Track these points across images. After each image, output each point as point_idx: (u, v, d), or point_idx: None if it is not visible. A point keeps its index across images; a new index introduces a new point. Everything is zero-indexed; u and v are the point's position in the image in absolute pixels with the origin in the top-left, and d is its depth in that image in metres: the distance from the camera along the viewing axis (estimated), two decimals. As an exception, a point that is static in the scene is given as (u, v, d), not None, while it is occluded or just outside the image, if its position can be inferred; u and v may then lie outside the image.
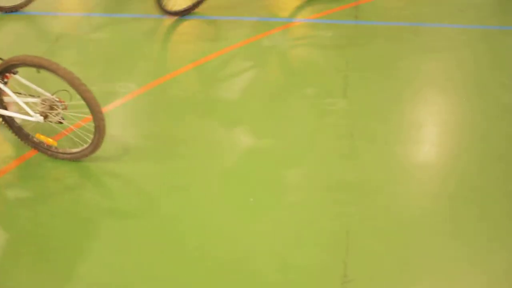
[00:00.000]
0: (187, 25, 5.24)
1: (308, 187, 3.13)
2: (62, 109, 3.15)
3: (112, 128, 3.71)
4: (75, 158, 3.30)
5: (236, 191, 3.12)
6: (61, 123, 3.20)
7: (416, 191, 3.08)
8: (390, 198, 3.03)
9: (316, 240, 2.77)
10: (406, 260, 2.65)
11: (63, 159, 3.32)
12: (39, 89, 3.20)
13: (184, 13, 5.24)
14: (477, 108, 3.82)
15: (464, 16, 5.19)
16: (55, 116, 3.15)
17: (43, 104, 3.15)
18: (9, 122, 3.32)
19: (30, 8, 5.31)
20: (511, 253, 2.67)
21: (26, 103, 3.15)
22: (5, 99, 3.26)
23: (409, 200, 3.02)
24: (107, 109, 3.87)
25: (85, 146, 3.25)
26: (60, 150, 3.32)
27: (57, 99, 3.15)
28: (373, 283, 2.53)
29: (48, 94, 3.17)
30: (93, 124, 3.13)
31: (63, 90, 3.12)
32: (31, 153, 3.39)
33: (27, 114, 3.14)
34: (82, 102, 3.05)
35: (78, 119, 3.26)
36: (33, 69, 3.08)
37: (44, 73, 3.08)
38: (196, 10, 5.25)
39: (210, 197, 3.08)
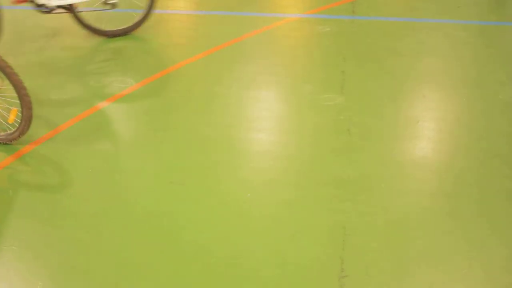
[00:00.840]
0: (181, 20, 5.24)
1: (305, 182, 3.13)
2: None
3: (111, 122, 3.72)
4: (2, 141, 3.46)
5: (233, 187, 3.12)
6: None
7: (413, 188, 3.09)
8: (386, 194, 3.04)
9: (313, 235, 2.78)
10: (402, 255, 2.66)
11: None
12: None
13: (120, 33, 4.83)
14: (475, 104, 3.82)
15: (462, 12, 5.20)
16: None
17: None
18: None
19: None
20: (509, 249, 2.68)
21: None
22: None
23: (405, 196, 3.03)
24: (103, 104, 3.87)
25: (12, 130, 3.41)
26: None
27: None
28: (369, 278, 2.54)
29: None
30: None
31: None
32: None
33: None
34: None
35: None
36: None
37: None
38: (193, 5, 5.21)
39: (206, 193, 3.08)
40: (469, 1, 5.41)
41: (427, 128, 3.59)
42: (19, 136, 3.41)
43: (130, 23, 4.80)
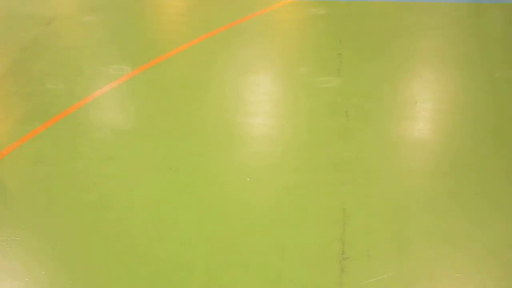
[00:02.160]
0: (176, 6, 5.21)
1: (304, 166, 3.14)
2: None
3: (108, 110, 3.71)
4: None
5: (232, 172, 3.12)
6: None
7: (411, 169, 3.10)
8: (386, 176, 3.05)
9: (313, 218, 2.79)
10: (403, 236, 2.68)
11: None
12: None
13: None
14: (472, 83, 3.82)
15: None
16: None
17: None
18: None
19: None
20: (509, 227, 2.70)
21: None
22: None
23: (405, 177, 3.04)
24: (100, 92, 3.87)
25: None
26: None
27: None
28: (370, 259, 2.56)
29: None
30: None
31: None
32: None
33: None
34: None
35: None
36: None
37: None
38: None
39: (205, 179, 3.09)
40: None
41: (425, 109, 3.59)
42: None
43: None
